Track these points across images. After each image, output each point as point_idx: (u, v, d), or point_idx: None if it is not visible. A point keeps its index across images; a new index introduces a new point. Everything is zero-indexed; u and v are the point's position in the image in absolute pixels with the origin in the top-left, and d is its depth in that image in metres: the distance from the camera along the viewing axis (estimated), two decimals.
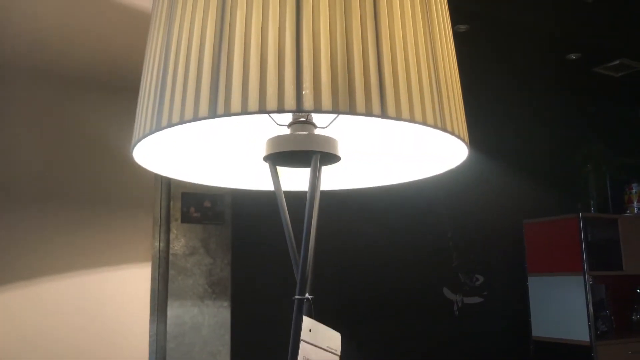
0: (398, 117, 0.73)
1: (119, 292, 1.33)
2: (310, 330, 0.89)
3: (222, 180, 1.13)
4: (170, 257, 1.59)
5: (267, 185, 1.15)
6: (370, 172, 1.12)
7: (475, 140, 2.85)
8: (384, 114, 0.72)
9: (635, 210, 3.17)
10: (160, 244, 1.60)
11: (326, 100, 0.70)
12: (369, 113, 0.71)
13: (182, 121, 0.74)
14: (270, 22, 0.73)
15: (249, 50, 0.72)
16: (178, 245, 1.62)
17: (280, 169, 0.97)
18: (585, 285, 2.63)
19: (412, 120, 0.74)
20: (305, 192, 0.90)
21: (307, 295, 0.91)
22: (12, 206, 1.24)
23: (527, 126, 3.19)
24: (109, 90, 1.39)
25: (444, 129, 0.79)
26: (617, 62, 3.01)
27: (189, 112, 0.73)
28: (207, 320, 1.64)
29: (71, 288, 1.27)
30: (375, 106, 0.72)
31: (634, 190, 3.20)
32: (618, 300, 3.07)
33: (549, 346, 2.78)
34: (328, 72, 0.71)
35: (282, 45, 0.72)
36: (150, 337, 1.48)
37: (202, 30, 0.75)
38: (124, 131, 1.39)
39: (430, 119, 0.76)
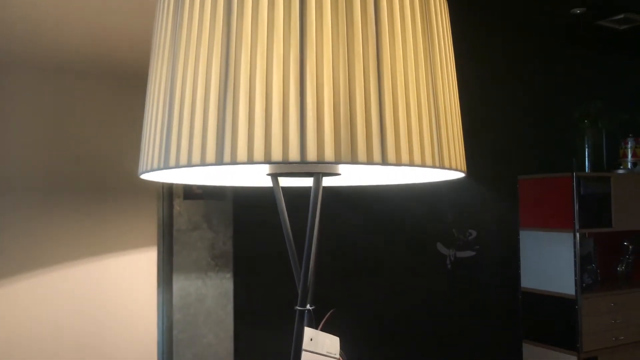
0: (398, 163, 0.76)
1: (126, 277, 1.40)
2: (311, 340, 0.95)
3: (225, 181, 1.17)
4: (174, 233, 1.65)
5: (268, 182, 1.18)
6: (369, 177, 1.15)
7: (474, 94, 2.84)
8: (384, 162, 0.75)
9: (629, 165, 3.22)
10: (164, 220, 1.65)
11: (329, 151, 0.73)
12: (369, 162, 0.74)
13: (189, 165, 0.76)
14: (275, 70, 0.74)
15: (254, 99, 0.74)
16: (181, 220, 1.67)
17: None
18: (574, 242, 2.72)
19: (411, 164, 0.77)
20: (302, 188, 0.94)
21: (308, 306, 0.97)
22: (16, 198, 1.27)
23: (527, 81, 3.18)
24: (110, 78, 1.39)
25: (442, 167, 0.82)
26: (621, 16, 2.96)
27: (196, 157, 0.76)
28: (211, 291, 1.72)
29: (79, 275, 1.33)
30: (376, 154, 0.74)
31: (629, 145, 3.23)
32: (605, 252, 3.18)
33: (536, 297, 2.91)
34: (331, 123, 0.73)
35: (287, 95, 0.73)
36: (157, 310, 1.55)
37: (207, 74, 0.76)
38: (124, 118, 1.40)
39: (429, 161, 0.79)
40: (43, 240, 1.29)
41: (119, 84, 1.38)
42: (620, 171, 3.05)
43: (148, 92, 0.89)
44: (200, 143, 0.75)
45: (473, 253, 2.89)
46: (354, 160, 0.73)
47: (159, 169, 0.81)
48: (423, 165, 0.78)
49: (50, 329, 1.29)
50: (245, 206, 1.91)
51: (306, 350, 0.93)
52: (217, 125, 0.74)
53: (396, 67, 0.78)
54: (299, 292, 0.97)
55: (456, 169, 0.85)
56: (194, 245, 1.69)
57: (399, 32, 0.79)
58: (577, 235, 2.70)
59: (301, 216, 0.97)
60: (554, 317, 2.81)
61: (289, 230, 0.97)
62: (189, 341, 1.67)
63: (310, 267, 0.95)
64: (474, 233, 2.89)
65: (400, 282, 2.60)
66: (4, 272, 1.23)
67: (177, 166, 0.77)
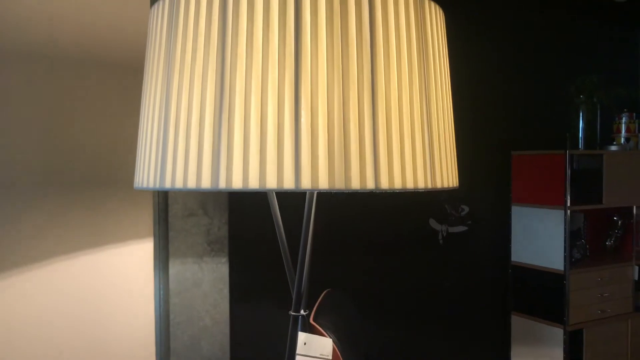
0: (391, 188, 0.77)
1: (124, 267, 1.42)
2: (305, 344, 0.98)
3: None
4: (170, 219, 1.67)
5: None
6: None
7: (467, 69, 2.82)
8: (377, 187, 0.76)
9: (622, 140, 3.23)
10: (159, 207, 1.67)
11: (323, 178, 0.74)
12: (363, 188, 0.75)
13: (184, 188, 0.77)
14: (270, 96, 0.74)
15: (249, 125, 0.74)
16: (177, 207, 1.69)
17: None
18: (565, 219, 2.76)
19: (404, 188, 0.78)
20: None
21: (302, 312, 1.00)
22: (12, 192, 1.28)
23: (522, 54, 3.15)
24: (104, 71, 1.38)
25: (434, 188, 0.83)
26: None
27: (191, 181, 0.77)
28: (207, 276, 1.75)
29: (77, 267, 1.36)
30: (370, 181, 0.76)
31: (623, 120, 3.24)
32: (595, 227, 3.23)
33: (526, 271, 2.97)
34: (325, 150, 0.74)
35: (282, 122, 0.74)
36: (154, 296, 1.59)
37: (202, 98, 0.77)
38: (119, 110, 1.40)
39: (421, 183, 0.80)
40: (41, 234, 1.30)
41: (113, 76, 1.37)
42: (613, 147, 3.06)
43: (143, 104, 0.89)
44: (195, 167, 0.76)
45: (465, 228, 2.93)
46: (347, 187, 0.74)
47: (154, 188, 0.82)
48: (415, 188, 0.79)
49: (50, 319, 1.32)
50: (241, 192, 1.92)
51: (300, 355, 0.97)
52: (213, 151, 0.75)
53: (390, 92, 0.78)
54: (294, 297, 0.99)
55: (448, 187, 0.87)
56: (190, 231, 1.71)
57: (394, 54, 0.79)
58: (568, 212, 2.74)
59: (297, 210, 0.98)
60: (542, 291, 2.88)
61: (285, 241, 0.99)
62: (186, 324, 1.72)
63: (305, 273, 0.98)
64: (466, 209, 2.93)
65: (393, 258, 2.65)
66: (1, 266, 1.25)
67: (173, 188, 0.78)
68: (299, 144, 0.73)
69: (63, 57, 1.32)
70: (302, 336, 0.97)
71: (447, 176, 0.86)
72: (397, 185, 0.77)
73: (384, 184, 0.76)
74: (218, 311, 1.78)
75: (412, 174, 0.79)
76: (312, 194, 0.93)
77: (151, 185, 0.82)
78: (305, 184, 0.73)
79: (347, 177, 0.74)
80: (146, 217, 1.46)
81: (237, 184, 0.74)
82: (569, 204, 2.73)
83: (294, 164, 0.73)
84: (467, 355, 2.89)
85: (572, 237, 2.88)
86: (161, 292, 1.65)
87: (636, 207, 3.10)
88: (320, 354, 1.00)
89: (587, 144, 3.06)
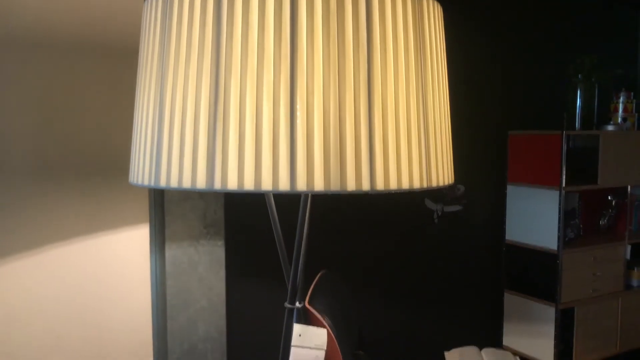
0: (386, 189, 0.77)
1: (120, 252, 1.43)
2: (300, 336, 1.00)
3: None
4: (166, 204, 1.67)
5: None
6: None
7: (466, 47, 2.79)
8: (372, 189, 0.76)
9: (619, 120, 3.23)
10: (155, 191, 1.66)
11: (318, 181, 0.74)
12: (358, 190, 0.75)
13: (179, 187, 0.77)
14: (265, 97, 0.73)
15: (244, 126, 0.74)
16: (173, 191, 1.69)
17: None
18: (559, 200, 2.77)
19: (399, 189, 0.78)
20: None
21: (297, 304, 1.01)
22: (8, 179, 1.28)
23: (521, 34, 3.12)
24: (97, 54, 1.36)
25: (430, 187, 0.83)
26: None
27: (186, 180, 0.76)
28: (203, 258, 1.76)
29: (74, 253, 1.36)
30: (365, 182, 0.76)
31: (620, 100, 3.23)
32: (589, 206, 3.25)
33: (519, 250, 3.00)
34: (321, 152, 0.74)
35: (277, 123, 0.73)
36: (150, 280, 1.60)
37: (196, 99, 0.76)
38: (114, 95, 1.39)
39: (417, 183, 0.80)
40: (36, 221, 1.30)
41: (107, 60, 1.36)
42: (610, 127, 3.06)
43: (137, 100, 0.88)
44: (190, 168, 0.76)
45: (460, 207, 2.94)
46: (342, 189, 0.74)
47: (149, 185, 0.82)
48: (411, 188, 0.79)
49: (47, 306, 1.33)
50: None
51: (295, 346, 0.98)
52: (207, 152, 0.75)
53: (387, 92, 0.77)
54: (289, 290, 1.00)
55: (443, 185, 0.87)
56: (186, 215, 1.71)
57: (391, 54, 0.78)
58: (563, 192, 2.75)
59: (293, 200, 0.98)
60: (535, 270, 2.91)
61: (280, 236, 0.99)
62: (183, 306, 1.73)
63: (300, 269, 0.98)
64: (462, 188, 2.93)
65: (387, 237, 2.66)
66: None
67: (168, 187, 0.78)
68: (294, 145, 0.73)
69: (57, 45, 1.30)
70: (297, 328, 0.98)
71: (442, 174, 0.86)
72: (393, 186, 0.77)
73: (380, 185, 0.76)
74: (214, 293, 1.80)
75: (407, 174, 0.79)
76: (306, 200, 0.93)
77: (146, 182, 0.82)
78: (301, 185, 0.73)
79: (343, 178, 0.74)
80: (142, 202, 1.46)
81: (232, 185, 0.74)
82: (564, 185, 2.74)
83: (290, 166, 0.73)
84: (459, 332, 2.94)
85: (567, 217, 2.90)
86: (157, 275, 1.66)
87: (630, 187, 3.11)
88: (315, 345, 1.02)
89: (584, 124, 3.05)
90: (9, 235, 1.28)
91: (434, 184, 0.83)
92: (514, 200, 3.02)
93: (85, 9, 1.33)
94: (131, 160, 0.90)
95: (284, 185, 0.73)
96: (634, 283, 3.12)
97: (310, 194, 0.93)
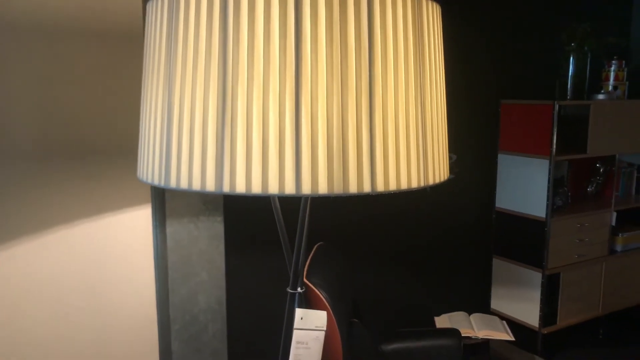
0: (386, 190, 0.81)
1: (123, 233, 1.47)
2: (301, 319, 1.06)
3: None
4: None
5: None
6: None
7: (458, 17, 2.78)
8: (373, 190, 0.80)
9: (610, 88, 3.27)
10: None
11: (322, 184, 0.77)
12: (360, 192, 0.79)
13: (189, 189, 0.81)
14: (271, 104, 0.76)
15: (251, 132, 0.77)
16: None
17: None
18: (549, 169, 2.83)
19: (398, 188, 0.82)
20: None
21: (299, 289, 1.06)
22: (12, 164, 1.30)
23: (515, 2, 3.10)
24: (97, 39, 1.37)
25: (427, 185, 0.87)
26: None
27: (196, 183, 0.80)
28: (203, 233, 1.81)
29: (78, 236, 1.40)
30: (366, 184, 0.80)
31: (612, 68, 3.26)
32: (578, 173, 3.32)
33: (509, 217, 3.08)
34: (325, 156, 0.77)
35: (283, 129, 0.76)
36: (153, 259, 1.65)
37: (204, 103, 0.79)
38: (114, 79, 1.40)
39: (414, 183, 0.85)
40: (41, 202, 1.34)
41: (109, 42, 1.36)
42: (601, 96, 3.10)
43: (144, 98, 0.91)
44: (200, 171, 0.79)
45: (452, 176, 3.00)
46: (345, 192, 0.78)
47: (159, 185, 0.85)
48: (409, 188, 0.84)
49: (55, 284, 1.38)
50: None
51: (298, 329, 1.04)
52: (216, 157, 0.78)
53: (387, 97, 0.80)
54: (291, 277, 1.05)
55: (440, 182, 0.91)
56: (186, 192, 1.75)
57: (391, 60, 0.80)
58: (553, 162, 2.81)
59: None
60: (523, 236, 3.00)
61: (284, 231, 1.03)
62: (183, 279, 1.79)
63: (301, 256, 1.03)
64: (454, 157, 2.98)
65: (380, 205, 2.72)
66: (4, 237, 1.29)
67: (178, 188, 0.82)
68: (299, 150, 0.77)
69: (59, 30, 1.31)
70: (299, 312, 1.04)
71: (438, 172, 0.90)
72: (392, 187, 0.81)
73: (380, 187, 0.80)
74: (214, 266, 1.86)
75: (406, 175, 0.83)
76: (306, 202, 0.97)
77: (156, 181, 0.86)
78: (306, 189, 0.77)
79: (345, 181, 0.78)
80: (144, 184, 1.49)
81: (240, 188, 0.77)
82: (554, 154, 2.80)
83: (295, 170, 0.77)
84: (449, 297, 3.04)
85: (555, 185, 2.97)
86: (159, 251, 1.71)
87: (618, 155, 3.18)
88: (316, 326, 1.08)
89: (575, 92, 3.08)
90: (14, 219, 1.31)
91: (431, 182, 0.87)
92: (505, 168, 3.08)
93: None
94: (139, 157, 0.93)
95: (289, 189, 0.77)
96: (618, 248, 3.22)
97: (309, 200, 0.97)
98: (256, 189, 0.77)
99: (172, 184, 0.82)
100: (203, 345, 1.85)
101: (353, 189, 0.78)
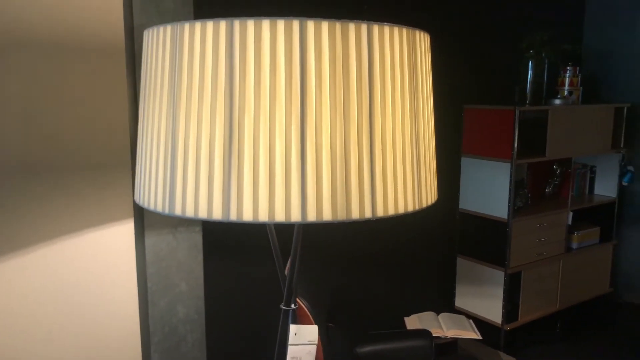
0: (385, 215, 0.85)
1: (106, 249, 1.46)
2: (295, 334, 1.09)
3: None
4: None
5: None
6: None
7: (423, 23, 2.85)
8: (374, 215, 0.84)
9: (565, 92, 3.42)
10: (134, 183, 1.69)
11: (327, 211, 0.81)
12: (362, 217, 0.83)
13: (196, 216, 0.83)
14: (278, 135, 0.79)
15: (258, 162, 0.79)
16: None
17: None
18: (510, 173, 2.94)
19: (396, 213, 0.87)
20: None
21: (292, 306, 1.10)
22: None
23: (478, 10, 3.20)
24: (80, 52, 1.36)
25: (421, 208, 0.92)
26: None
27: (202, 211, 0.82)
28: (181, 244, 1.81)
29: (59, 252, 1.39)
30: (368, 210, 0.83)
31: (567, 74, 3.41)
32: (536, 175, 3.46)
33: (472, 218, 3.18)
34: (329, 185, 0.81)
35: (289, 159, 0.79)
36: (136, 274, 1.64)
37: (211, 133, 0.81)
38: (96, 93, 1.39)
39: (410, 206, 0.89)
40: (22, 220, 1.32)
41: (90, 58, 1.35)
42: (557, 101, 3.24)
43: (143, 125, 0.92)
44: (206, 200, 0.81)
45: None
46: (348, 218, 0.82)
47: (163, 212, 0.87)
48: (406, 212, 0.88)
49: (37, 303, 1.37)
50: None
51: (292, 344, 1.07)
52: (223, 187, 0.80)
53: (386, 128, 0.84)
54: (285, 293, 1.08)
55: (432, 204, 0.96)
56: None
57: (389, 93, 0.84)
58: (514, 165, 2.92)
59: None
60: (486, 237, 3.11)
61: (279, 253, 1.06)
62: (163, 291, 1.79)
63: (295, 274, 1.06)
64: None
65: None
66: None
67: (184, 215, 0.84)
68: (305, 179, 0.80)
69: (38, 43, 1.29)
70: (293, 328, 1.07)
71: (430, 194, 0.95)
72: (391, 211, 0.85)
73: (380, 212, 0.84)
74: (192, 276, 1.86)
75: (403, 200, 0.87)
76: (299, 228, 1.00)
77: (159, 209, 0.87)
78: (311, 216, 0.80)
79: (348, 208, 0.82)
80: (126, 198, 1.49)
81: (247, 216, 0.80)
82: (515, 157, 2.91)
83: (301, 198, 0.80)
84: (417, 297, 3.13)
85: (516, 187, 3.09)
86: (137, 264, 1.71)
87: (574, 157, 3.33)
88: (309, 340, 1.11)
89: (534, 97, 3.21)
90: None
91: (424, 204, 0.92)
92: (468, 171, 3.18)
93: (65, 7, 1.32)
94: (139, 182, 0.94)
95: (295, 217, 0.80)
96: (574, 246, 3.38)
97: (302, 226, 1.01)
98: (263, 217, 0.80)
99: (177, 211, 0.84)
100: (182, 356, 1.86)
101: (355, 215, 0.82)
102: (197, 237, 1.85)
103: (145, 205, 0.91)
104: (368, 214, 0.83)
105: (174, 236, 1.79)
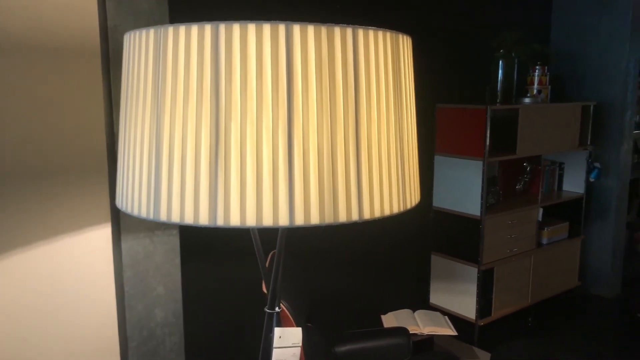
0: (372, 217, 0.86)
1: (83, 254, 1.44)
2: (280, 337, 1.09)
3: None
4: None
5: None
6: None
7: (395, 23, 2.88)
8: (360, 218, 0.85)
9: (535, 91, 3.49)
10: (110, 187, 1.66)
11: (314, 215, 0.81)
12: (349, 220, 0.83)
13: (181, 222, 0.82)
14: (265, 139, 0.79)
15: (245, 166, 0.79)
16: None
17: None
18: (482, 170, 2.99)
19: (382, 215, 0.87)
20: None
21: (276, 309, 1.09)
22: None
23: (450, 10, 3.24)
24: (52, 55, 1.33)
25: (405, 209, 0.93)
26: None
27: (188, 216, 0.81)
28: (159, 248, 1.79)
29: (34, 259, 1.36)
30: (354, 213, 0.84)
31: (536, 73, 3.48)
32: (508, 172, 3.53)
33: (446, 216, 3.23)
34: (316, 189, 0.81)
35: (276, 164, 0.79)
36: (114, 278, 1.62)
37: (197, 138, 0.80)
38: (70, 97, 1.37)
39: (395, 208, 0.90)
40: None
41: (64, 59, 1.33)
42: (527, 100, 3.30)
43: (124, 129, 0.90)
44: (192, 205, 0.81)
45: None
46: (335, 221, 0.82)
47: (148, 218, 0.86)
48: (391, 214, 0.89)
49: (11, 310, 1.34)
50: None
51: (277, 347, 1.07)
52: (210, 191, 0.80)
53: (371, 131, 0.85)
54: (269, 296, 1.08)
55: (415, 205, 0.97)
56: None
57: (374, 96, 0.85)
58: (486, 162, 2.97)
59: None
60: (460, 234, 3.16)
61: (262, 255, 1.06)
62: (140, 295, 1.77)
63: (279, 277, 1.06)
64: None
65: None
66: None
67: (169, 221, 0.83)
68: (292, 183, 0.80)
69: (9, 46, 1.26)
70: (277, 331, 1.07)
71: (414, 195, 0.96)
72: (377, 214, 0.86)
73: (367, 215, 0.85)
74: (170, 280, 1.84)
75: (388, 202, 0.88)
76: (282, 232, 1.01)
77: (143, 214, 0.86)
78: (299, 220, 0.80)
79: (336, 211, 0.82)
80: (103, 203, 1.46)
81: (235, 221, 0.80)
82: (487, 156, 2.96)
83: (288, 203, 0.80)
84: (392, 293, 3.16)
85: (488, 184, 3.14)
86: (115, 268, 1.68)
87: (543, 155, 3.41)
88: (293, 343, 1.11)
89: (504, 96, 3.27)
90: None
91: (409, 206, 0.93)
92: (441, 169, 3.22)
93: (38, 6, 1.29)
94: (120, 187, 0.93)
95: (283, 221, 0.80)
96: (544, 241, 3.46)
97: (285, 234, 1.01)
98: (250, 221, 0.79)
99: (163, 217, 0.83)
100: (161, 359, 1.84)
101: (343, 218, 0.82)
102: (175, 240, 1.83)
103: (128, 211, 0.89)
104: (355, 217, 0.84)
105: (151, 239, 1.77)
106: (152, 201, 0.84)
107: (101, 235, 1.49)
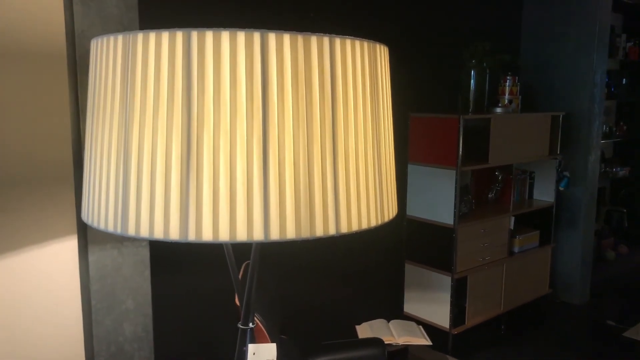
0: (349, 231, 0.83)
1: (48, 267, 1.38)
2: (254, 354, 1.05)
3: None
4: None
5: None
6: None
7: (367, 32, 2.88)
8: (338, 232, 0.82)
9: (506, 101, 3.53)
10: (77, 198, 1.61)
11: (290, 229, 0.78)
12: (326, 234, 0.81)
13: (151, 237, 0.78)
14: (239, 151, 0.76)
15: (218, 179, 0.76)
16: None
17: None
18: (455, 179, 3.00)
19: (359, 228, 0.85)
20: None
21: (250, 324, 1.06)
22: None
23: (421, 21, 3.26)
24: (17, 60, 1.27)
25: (383, 222, 0.91)
26: None
27: (158, 230, 0.78)
28: (127, 260, 1.74)
29: None
30: (331, 227, 0.81)
31: (507, 83, 3.52)
32: (479, 181, 3.55)
33: (419, 225, 3.23)
34: (292, 202, 0.78)
35: (250, 176, 0.76)
36: (80, 291, 1.56)
37: (167, 149, 0.77)
38: (36, 104, 1.31)
39: (373, 221, 0.88)
40: None
41: (26, 65, 1.27)
42: (498, 110, 3.34)
43: (90, 138, 0.86)
44: (162, 219, 0.77)
45: None
46: (312, 235, 0.80)
47: (115, 232, 0.82)
48: (369, 227, 0.87)
49: None
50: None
51: None
52: (180, 205, 0.76)
53: (349, 143, 0.83)
54: (242, 312, 1.05)
55: (393, 218, 0.95)
56: None
57: (351, 107, 0.83)
58: (459, 172, 2.99)
59: None
60: (433, 243, 3.16)
61: (236, 270, 1.02)
62: (107, 309, 1.71)
63: (253, 293, 1.03)
64: None
65: None
66: None
67: (137, 236, 0.79)
68: (267, 197, 0.77)
69: None
70: (251, 348, 1.04)
71: (392, 208, 0.94)
72: (355, 227, 0.84)
73: (344, 229, 0.82)
74: (139, 293, 1.78)
75: (366, 215, 0.86)
76: (256, 247, 0.98)
77: (110, 228, 0.82)
78: (274, 235, 0.78)
79: (312, 225, 0.79)
80: (69, 215, 1.41)
81: (207, 236, 0.76)
82: (460, 165, 2.97)
83: (263, 217, 0.77)
84: (366, 302, 3.14)
85: (461, 193, 3.16)
86: (81, 281, 1.62)
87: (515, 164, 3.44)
88: (267, 359, 1.08)
89: (476, 105, 3.30)
90: None
91: (386, 218, 0.91)
92: (414, 178, 3.22)
93: (0, 10, 1.24)
94: (86, 199, 0.88)
95: (258, 236, 0.77)
96: (516, 250, 3.49)
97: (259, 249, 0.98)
98: (224, 236, 0.76)
99: (130, 232, 0.79)
100: None
101: (319, 232, 0.80)
102: (144, 252, 1.78)
103: (95, 225, 0.85)
104: (332, 231, 0.81)
105: (119, 251, 1.71)
106: (120, 215, 0.80)
107: (67, 248, 1.43)
